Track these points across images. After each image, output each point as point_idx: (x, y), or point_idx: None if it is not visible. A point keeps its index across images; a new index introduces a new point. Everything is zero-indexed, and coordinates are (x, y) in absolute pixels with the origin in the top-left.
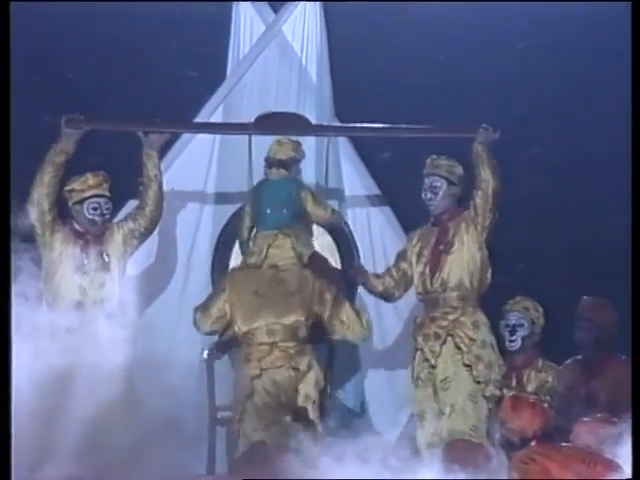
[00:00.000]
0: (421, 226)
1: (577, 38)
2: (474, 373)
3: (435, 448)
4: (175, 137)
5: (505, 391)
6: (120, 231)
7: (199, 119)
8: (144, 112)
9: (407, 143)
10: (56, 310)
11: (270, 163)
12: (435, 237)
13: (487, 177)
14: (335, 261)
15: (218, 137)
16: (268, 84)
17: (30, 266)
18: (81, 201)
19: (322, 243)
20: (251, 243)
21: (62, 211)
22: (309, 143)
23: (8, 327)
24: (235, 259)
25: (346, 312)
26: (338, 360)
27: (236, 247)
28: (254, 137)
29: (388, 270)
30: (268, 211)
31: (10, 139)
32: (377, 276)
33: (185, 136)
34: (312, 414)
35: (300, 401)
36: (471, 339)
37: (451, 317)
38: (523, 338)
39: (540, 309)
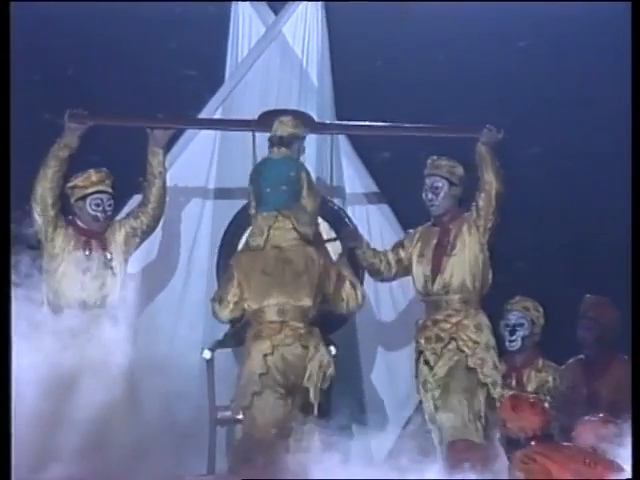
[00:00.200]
0: (421, 224)
1: (577, 38)
2: (480, 376)
3: (439, 447)
4: (178, 134)
5: (505, 391)
6: (122, 229)
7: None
8: (144, 111)
9: (406, 143)
10: (57, 308)
11: (272, 142)
12: (436, 238)
13: (490, 179)
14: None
15: (219, 135)
16: (269, 85)
17: (30, 266)
18: (84, 197)
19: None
20: (252, 225)
21: (64, 209)
22: (311, 141)
23: (8, 326)
24: None
25: (346, 288)
26: (338, 361)
27: (241, 243)
28: (257, 135)
29: (385, 251)
30: (267, 190)
31: (10, 138)
32: (372, 249)
33: (188, 133)
34: (312, 396)
35: (305, 379)
36: (474, 342)
37: (454, 320)
38: (523, 338)
39: (540, 309)
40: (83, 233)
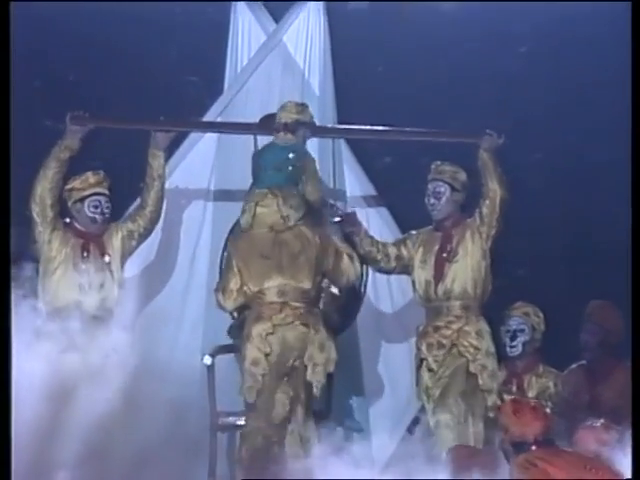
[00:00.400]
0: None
1: (577, 41)
2: (480, 382)
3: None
4: (181, 138)
5: (506, 397)
6: (119, 232)
7: None
8: (144, 116)
9: (407, 148)
10: (54, 310)
11: (277, 129)
12: (439, 244)
13: (495, 187)
14: None
15: (220, 138)
16: (271, 96)
17: (31, 270)
18: (82, 199)
19: None
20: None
21: (62, 211)
22: (312, 147)
23: (8, 329)
24: None
25: (345, 262)
26: (339, 361)
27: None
28: (259, 138)
29: (385, 243)
30: (266, 170)
31: (10, 143)
32: (370, 236)
33: (191, 137)
34: (310, 375)
35: (306, 358)
36: (476, 348)
37: (455, 326)
38: (524, 344)
39: (541, 315)
40: (81, 236)
